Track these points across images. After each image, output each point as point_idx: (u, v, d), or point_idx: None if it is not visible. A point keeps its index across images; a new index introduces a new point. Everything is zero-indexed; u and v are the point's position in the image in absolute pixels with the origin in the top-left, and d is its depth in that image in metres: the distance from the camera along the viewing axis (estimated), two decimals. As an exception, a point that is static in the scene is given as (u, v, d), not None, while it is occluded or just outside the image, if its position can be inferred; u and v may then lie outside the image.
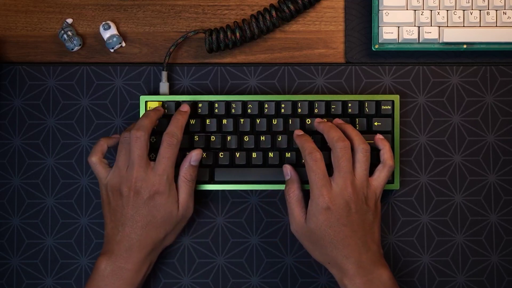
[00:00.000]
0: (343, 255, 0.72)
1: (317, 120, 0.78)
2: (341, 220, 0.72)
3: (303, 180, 0.77)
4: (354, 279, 0.72)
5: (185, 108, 0.78)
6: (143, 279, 0.76)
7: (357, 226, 0.73)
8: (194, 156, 0.76)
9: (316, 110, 0.80)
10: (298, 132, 0.78)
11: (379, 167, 0.76)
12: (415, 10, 0.81)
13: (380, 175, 0.76)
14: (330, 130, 0.75)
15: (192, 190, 0.77)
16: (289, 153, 0.79)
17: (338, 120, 0.78)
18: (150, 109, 0.78)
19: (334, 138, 0.74)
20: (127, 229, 0.74)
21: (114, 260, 0.74)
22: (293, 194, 0.75)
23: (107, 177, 0.75)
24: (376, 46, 0.82)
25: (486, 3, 0.80)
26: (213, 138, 0.80)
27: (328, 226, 0.72)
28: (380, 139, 0.77)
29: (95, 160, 0.76)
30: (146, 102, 0.80)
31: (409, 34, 0.81)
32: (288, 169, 0.77)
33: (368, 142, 0.75)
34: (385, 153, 0.76)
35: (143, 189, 0.73)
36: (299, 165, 0.79)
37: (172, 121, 0.76)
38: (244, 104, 0.80)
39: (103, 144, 0.77)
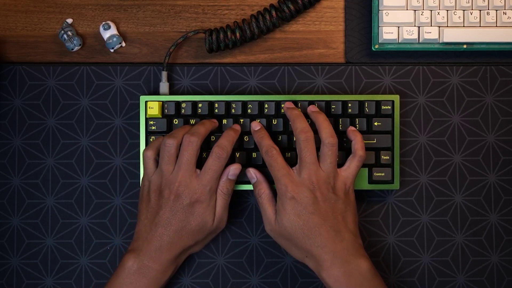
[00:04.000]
0: (317, 245, 0.72)
1: (287, 104, 0.78)
2: (308, 209, 0.72)
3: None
4: (331, 271, 0.72)
5: (238, 127, 0.78)
6: (167, 280, 0.76)
7: (327, 214, 0.72)
8: (232, 170, 0.76)
9: (316, 110, 0.80)
10: (254, 126, 0.78)
11: (350, 157, 0.76)
12: (415, 10, 0.81)
13: (351, 165, 0.75)
14: (295, 120, 0.75)
15: (228, 203, 0.77)
16: (289, 153, 0.79)
17: (312, 108, 0.78)
18: (206, 119, 0.78)
19: (298, 129, 0.74)
20: (160, 230, 0.74)
21: (142, 258, 0.74)
22: (264, 194, 0.76)
23: (152, 176, 0.76)
24: (376, 46, 0.82)
25: (486, 3, 0.80)
26: (213, 138, 0.80)
27: (297, 215, 0.72)
28: (351, 131, 0.77)
29: (150, 154, 0.76)
30: (146, 102, 0.80)
31: (409, 34, 0.81)
32: (252, 172, 0.77)
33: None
34: (356, 143, 0.76)
35: (184, 195, 0.74)
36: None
37: (224, 135, 0.76)
38: (244, 104, 0.80)
39: (161, 142, 0.76)
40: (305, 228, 0.72)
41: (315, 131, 0.76)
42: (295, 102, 0.80)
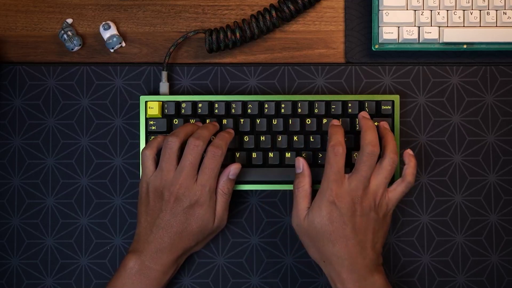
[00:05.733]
0: (339, 256, 0.72)
1: (363, 114, 0.77)
2: (344, 218, 0.72)
3: (314, 180, 0.77)
4: (347, 284, 0.72)
5: (231, 131, 0.78)
6: (168, 280, 0.76)
7: (359, 229, 0.72)
8: (233, 170, 0.76)
9: (316, 110, 0.80)
10: (334, 122, 0.77)
11: (399, 180, 0.75)
12: (415, 10, 0.81)
13: (397, 188, 0.74)
14: (367, 131, 0.74)
15: (228, 203, 0.77)
16: (289, 153, 0.79)
17: (385, 125, 0.78)
18: (210, 122, 0.79)
19: (367, 140, 0.73)
20: (160, 232, 0.74)
21: (143, 259, 0.74)
22: (302, 189, 0.75)
23: (151, 176, 0.75)
24: (376, 46, 0.82)
25: (486, 3, 0.80)
26: (213, 138, 0.80)
27: (330, 220, 0.72)
28: (408, 155, 0.76)
29: (149, 153, 0.76)
30: (146, 102, 0.80)
31: (409, 34, 0.81)
32: (301, 163, 0.76)
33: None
34: (408, 168, 0.75)
35: (185, 197, 0.74)
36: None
37: (219, 136, 0.76)
38: (244, 104, 0.80)
39: (160, 141, 0.76)
40: (333, 235, 0.72)
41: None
42: (295, 102, 0.80)
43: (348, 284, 0.72)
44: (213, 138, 0.79)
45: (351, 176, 0.73)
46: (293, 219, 0.75)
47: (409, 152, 0.76)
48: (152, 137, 0.80)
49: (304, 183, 0.75)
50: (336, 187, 0.72)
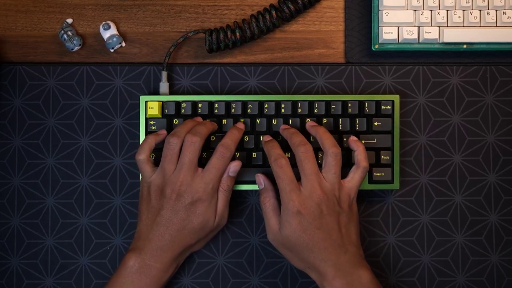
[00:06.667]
0: (321, 259, 0.72)
1: (282, 126, 0.78)
2: (314, 223, 0.72)
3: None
4: (334, 282, 0.72)
5: (241, 125, 0.78)
6: (168, 279, 0.76)
7: (332, 228, 0.72)
8: (233, 167, 0.76)
9: (316, 110, 0.80)
10: (266, 138, 0.78)
11: (353, 168, 0.76)
12: (415, 10, 0.81)
13: (354, 176, 0.75)
14: (292, 136, 0.75)
15: (228, 200, 0.77)
16: (289, 153, 0.79)
17: (311, 123, 0.78)
18: (208, 120, 0.78)
19: (295, 144, 0.74)
20: (161, 229, 0.74)
21: (143, 257, 0.74)
22: (269, 203, 0.75)
23: (151, 176, 0.75)
24: (376, 46, 0.82)
25: (486, 3, 0.80)
26: (213, 138, 0.80)
27: (302, 230, 0.72)
28: (353, 141, 0.77)
29: (143, 158, 0.76)
30: (146, 102, 0.80)
31: (409, 34, 0.81)
32: (261, 178, 0.77)
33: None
34: (359, 154, 0.76)
35: (186, 194, 0.74)
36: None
37: (228, 134, 0.76)
38: (244, 104, 0.80)
39: (150, 142, 0.76)
40: (310, 243, 0.72)
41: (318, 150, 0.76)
42: (295, 102, 0.80)
43: (336, 282, 0.72)
44: (213, 138, 0.79)
45: (302, 180, 0.73)
46: (268, 235, 0.76)
47: (353, 138, 0.77)
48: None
49: (269, 197, 0.76)
50: (296, 196, 0.72)
